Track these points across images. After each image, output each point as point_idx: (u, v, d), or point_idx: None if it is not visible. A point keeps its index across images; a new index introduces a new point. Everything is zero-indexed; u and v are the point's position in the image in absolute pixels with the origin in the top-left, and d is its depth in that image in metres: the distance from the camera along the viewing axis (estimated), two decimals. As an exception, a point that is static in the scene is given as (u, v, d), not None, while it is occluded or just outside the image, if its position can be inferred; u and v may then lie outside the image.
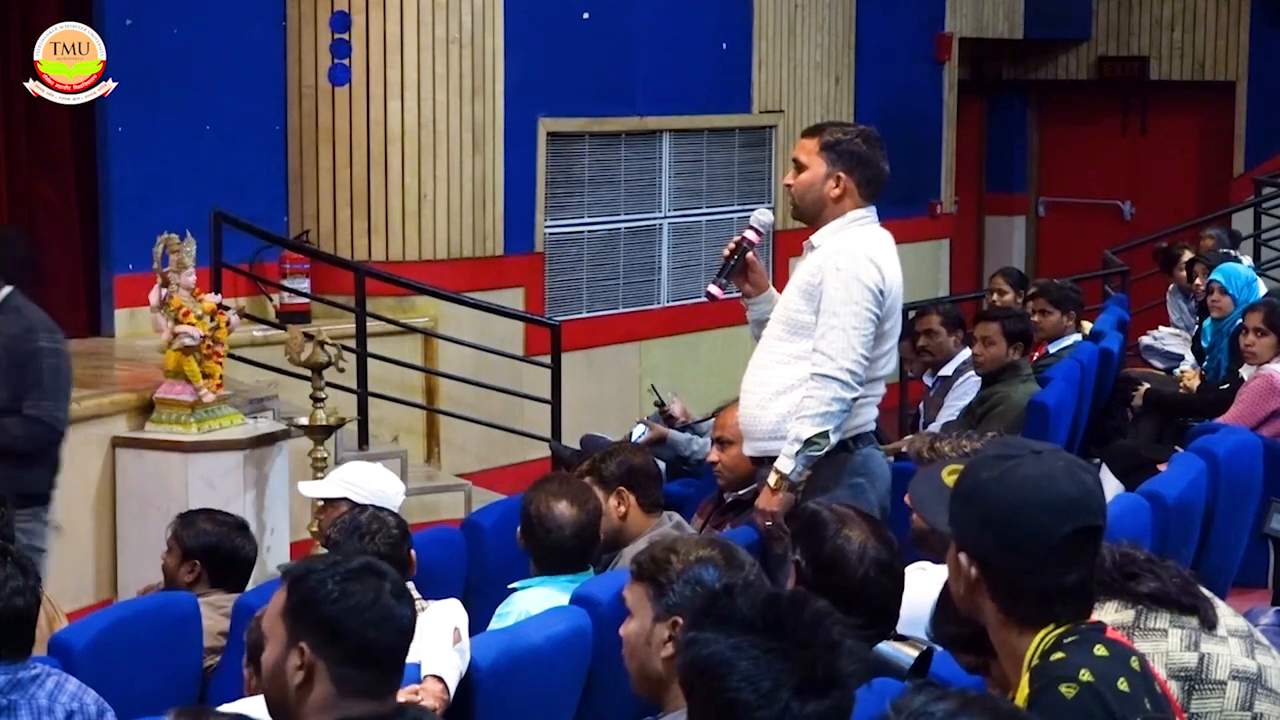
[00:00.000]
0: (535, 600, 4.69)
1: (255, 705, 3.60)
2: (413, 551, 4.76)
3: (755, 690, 2.60)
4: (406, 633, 2.90)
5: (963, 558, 2.78)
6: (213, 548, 5.36)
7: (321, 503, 5.79)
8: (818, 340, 5.04)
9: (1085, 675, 2.63)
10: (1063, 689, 2.62)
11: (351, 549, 4.65)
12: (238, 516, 5.62)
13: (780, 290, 5.40)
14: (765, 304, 5.39)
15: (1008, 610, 2.76)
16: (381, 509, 4.87)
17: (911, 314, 8.76)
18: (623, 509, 5.18)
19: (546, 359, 9.68)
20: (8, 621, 3.92)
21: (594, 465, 5.30)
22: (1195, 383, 9.09)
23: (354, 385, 9.12)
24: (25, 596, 3.97)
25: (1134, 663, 2.73)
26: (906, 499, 3.69)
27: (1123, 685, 2.65)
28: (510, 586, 4.85)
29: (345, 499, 5.30)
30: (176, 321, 7.41)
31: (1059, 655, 2.68)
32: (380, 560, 3.06)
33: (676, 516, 5.41)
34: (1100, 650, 2.70)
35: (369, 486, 5.32)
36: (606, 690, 4.54)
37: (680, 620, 3.21)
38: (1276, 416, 7.54)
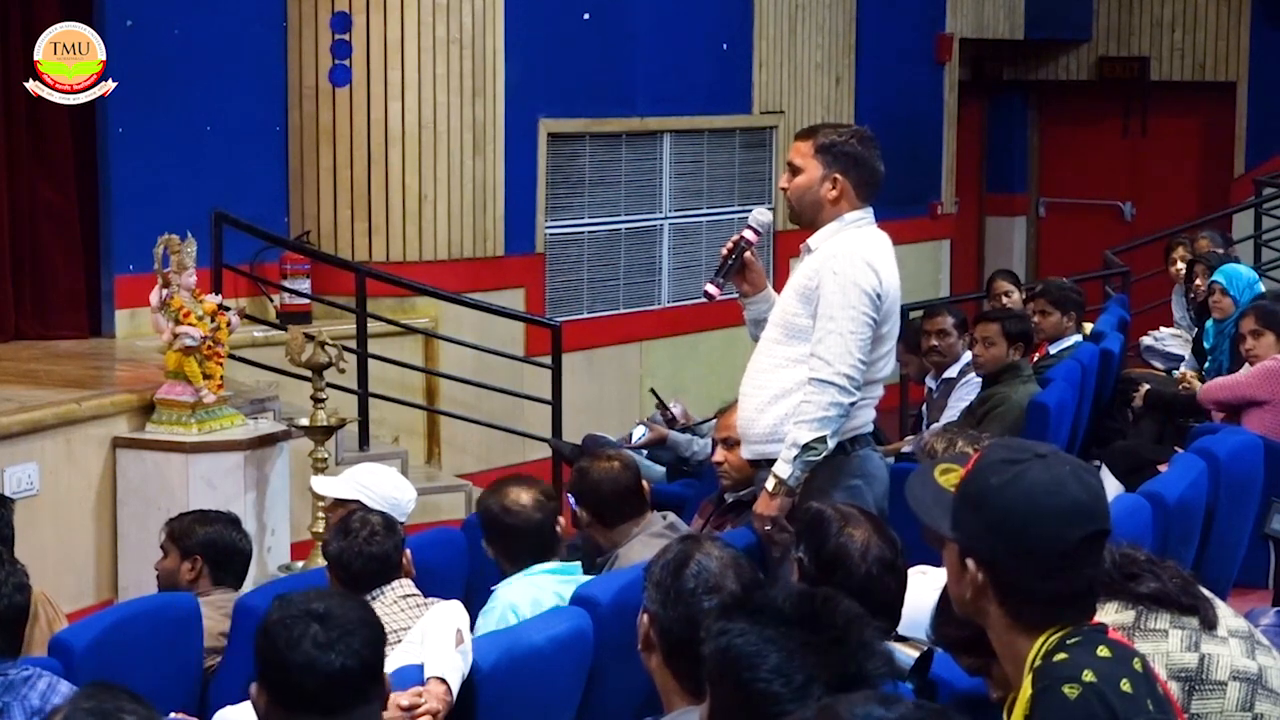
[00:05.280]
0: (518, 592, 4.73)
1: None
2: (408, 552, 4.77)
3: (787, 683, 2.53)
4: None
5: (970, 563, 2.76)
6: (211, 543, 5.39)
7: (328, 502, 5.79)
8: (815, 345, 5.02)
9: (1088, 676, 2.63)
10: (1065, 689, 2.62)
11: (336, 548, 4.70)
12: (227, 512, 5.64)
13: (778, 291, 5.39)
14: (762, 304, 5.38)
15: (1014, 614, 2.74)
16: (370, 511, 4.88)
17: (913, 315, 8.77)
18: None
19: (547, 359, 9.68)
20: (10, 619, 3.93)
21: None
22: (1196, 383, 9.09)
23: (355, 386, 9.13)
24: (25, 594, 3.99)
25: (1137, 664, 2.72)
26: None
27: (1125, 686, 2.65)
28: (492, 588, 4.88)
29: (357, 501, 5.30)
30: (177, 322, 7.41)
31: (1062, 656, 2.68)
32: None
33: (671, 516, 5.42)
34: (1103, 651, 2.69)
35: (381, 491, 5.33)
36: (607, 690, 4.54)
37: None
38: (1268, 407, 7.52)
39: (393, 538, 4.73)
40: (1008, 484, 2.73)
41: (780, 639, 2.56)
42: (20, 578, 4.03)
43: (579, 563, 5.00)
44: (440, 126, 10.29)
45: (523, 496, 4.93)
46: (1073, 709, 2.61)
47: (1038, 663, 2.70)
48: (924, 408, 8.26)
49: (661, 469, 7.76)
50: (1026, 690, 2.68)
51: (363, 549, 4.67)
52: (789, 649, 2.55)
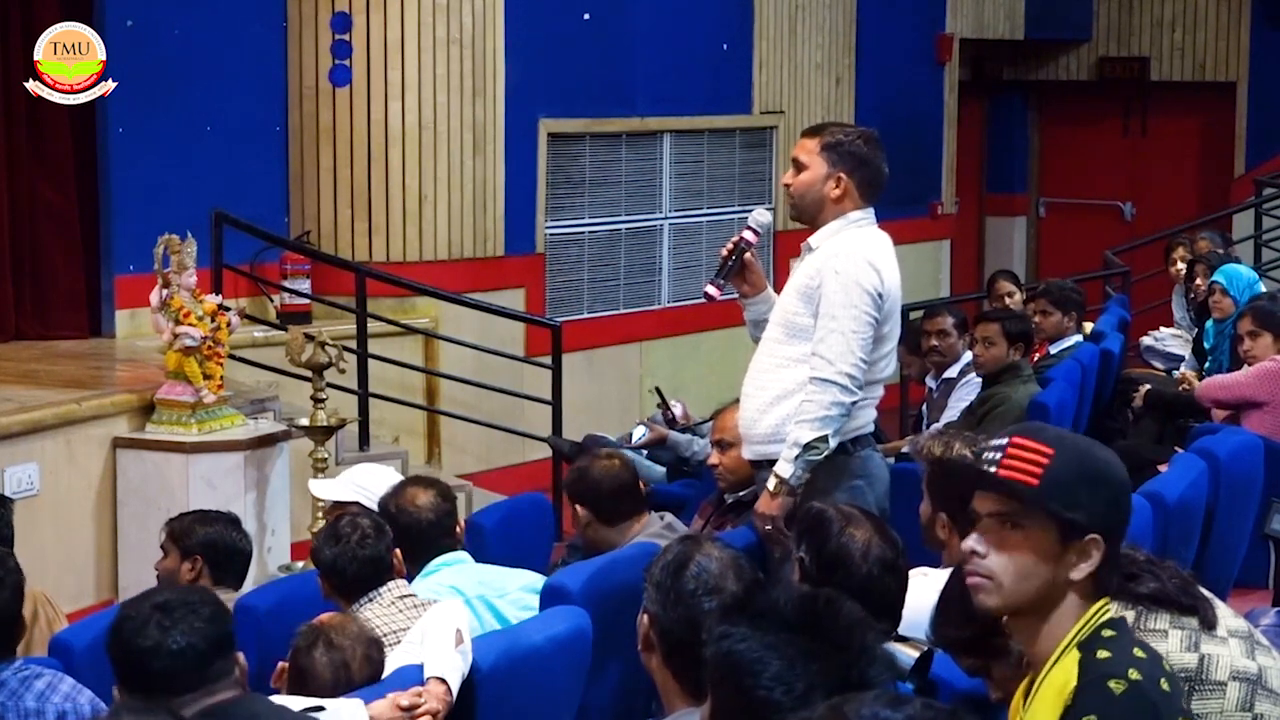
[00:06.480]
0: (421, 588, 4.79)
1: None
2: (398, 552, 4.78)
3: (788, 691, 2.51)
4: None
5: (1090, 541, 2.84)
6: (212, 543, 5.39)
7: (328, 503, 5.79)
8: (816, 344, 5.02)
9: (1134, 674, 2.74)
10: (1111, 684, 2.72)
11: (329, 555, 4.70)
12: (227, 512, 5.64)
13: (778, 291, 5.40)
14: (762, 304, 5.38)
15: (1102, 581, 2.87)
16: (358, 514, 4.88)
17: (914, 315, 8.77)
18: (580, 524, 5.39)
19: (547, 359, 9.68)
20: (3, 622, 3.91)
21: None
22: (1196, 383, 9.08)
23: (355, 386, 9.13)
24: (16, 596, 3.96)
25: (1166, 665, 2.86)
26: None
27: (1164, 685, 2.77)
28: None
29: (356, 503, 5.30)
30: (177, 322, 7.41)
31: (1105, 654, 2.78)
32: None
33: (669, 516, 5.43)
34: (1138, 652, 2.81)
35: (380, 492, 5.33)
36: (607, 689, 4.54)
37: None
38: (1268, 408, 7.52)
39: (383, 539, 4.73)
40: (1112, 457, 2.89)
41: (781, 645, 2.54)
42: (13, 578, 3.98)
43: (464, 551, 5.07)
44: (440, 126, 10.29)
45: (419, 497, 5.02)
46: (1119, 703, 2.71)
47: (1081, 639, 2.80)
48: (924, 408, 8.26)
49: (661, 469, 7.76)
50: (1069, 680, 2.75)
51: (356, 553, 4.65)
52: (790, 656, 2.53)
